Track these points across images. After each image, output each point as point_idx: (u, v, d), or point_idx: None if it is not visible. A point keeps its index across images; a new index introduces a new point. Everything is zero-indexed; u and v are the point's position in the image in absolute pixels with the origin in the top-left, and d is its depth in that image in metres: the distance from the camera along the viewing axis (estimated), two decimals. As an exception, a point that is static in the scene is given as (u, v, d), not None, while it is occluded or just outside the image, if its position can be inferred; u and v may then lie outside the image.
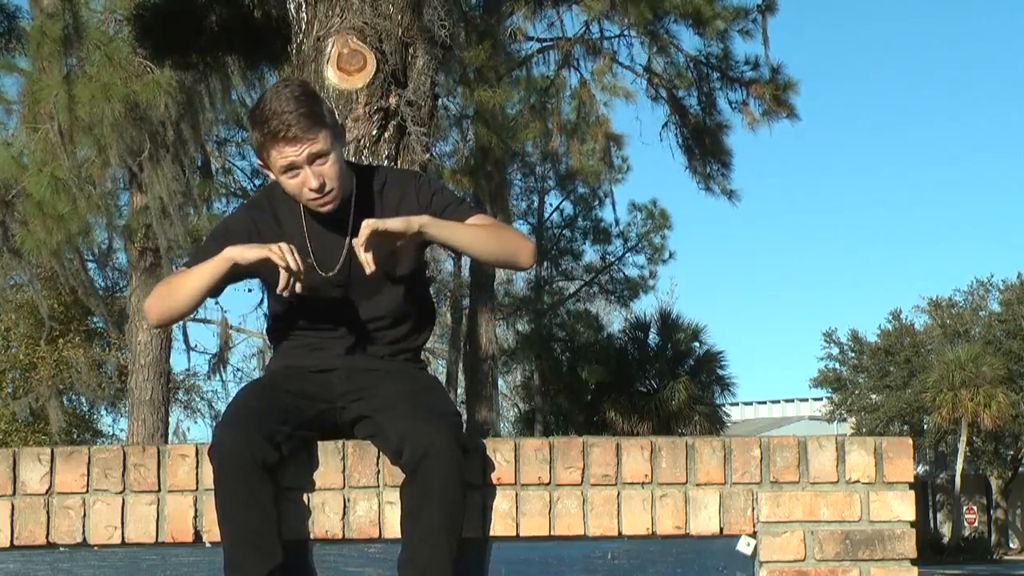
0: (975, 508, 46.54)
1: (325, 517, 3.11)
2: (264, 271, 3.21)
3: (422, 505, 2.98)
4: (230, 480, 2.97)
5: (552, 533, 3.14)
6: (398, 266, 3.29)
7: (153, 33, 8.53)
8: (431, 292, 3.55)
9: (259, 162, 3.24)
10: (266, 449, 2.97)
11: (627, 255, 32.00)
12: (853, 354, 46.90)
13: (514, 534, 3.13)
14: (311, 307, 3.29)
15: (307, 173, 3.14)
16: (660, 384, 28.12)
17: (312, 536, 3.12)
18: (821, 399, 48.24)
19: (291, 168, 3.14)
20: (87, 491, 3.10)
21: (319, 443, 3.14)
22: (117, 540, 3.10)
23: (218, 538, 3.05)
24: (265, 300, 3.57)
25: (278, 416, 3.06)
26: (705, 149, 16.14)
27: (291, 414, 3.10)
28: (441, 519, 2.97)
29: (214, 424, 3.09)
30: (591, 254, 32.34)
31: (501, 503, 3.13)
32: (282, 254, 3.05)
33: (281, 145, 3.11)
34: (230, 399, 3.22)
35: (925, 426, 43.74)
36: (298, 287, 3.09)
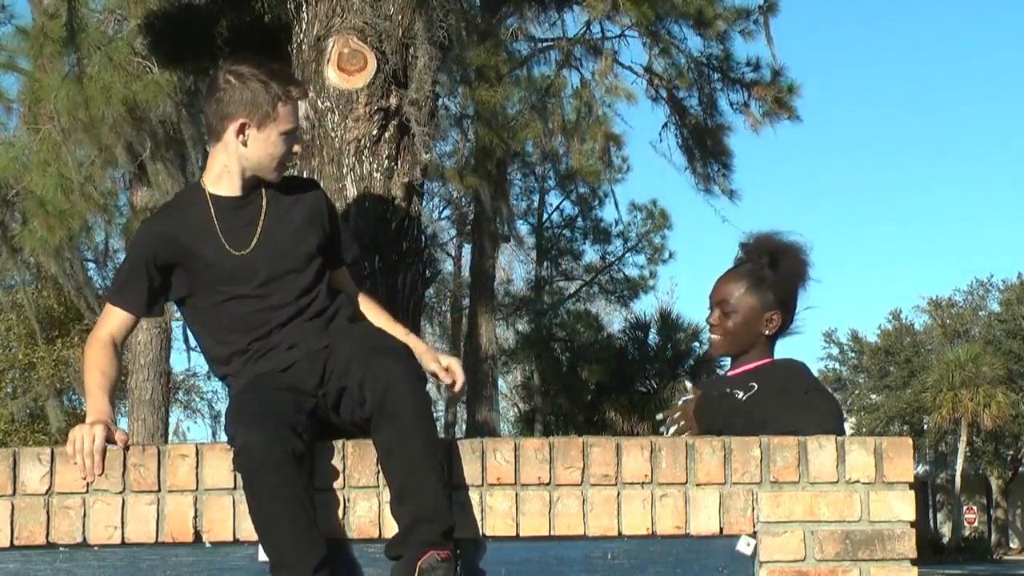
0: (975, 508, 46.55)
1: (326, 517, 3.11)
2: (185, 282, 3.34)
3: (396, 440, 2.99)
4: (267, 479, 2.94)
5: (552, 533, 3.13)
6: (303, 243, 3.38)
7: (164, 42, 8.50)
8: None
9: (241, 119, 3.30)
10: (293, 440, 2.97)
11: (627, 255, 32.02)
12: (853, 354, 46.93)
13: (514, 534, 3.13)
14: (238, 318, 3.31)
15: (295, 139, 3.40)
16: (660, 384, 28.08)
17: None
18: (821, 399, 48.15)
19: (293, 131, 3.37)
20: (87, 491, 3.10)
21: (319, 443, 3.13)
22: (117, 540, 3.10)
23: (218, 538, 3.05)
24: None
25: (290, 407, 3.07)
26: (705, 150, 16.10)
27: (298, 404, 3.10)
28: (420, 446, 2.98)
29: (226, 430, 3.05)
30: (591, 254, 32.37)
31: (501, 503, 3.13)
32: (79, 448, 3.09)
33: (302, 107, 3.37)
34: (226, 411, 3.19)
35: (925, 426, 43.76)
36: (94, 470, 3.10)
